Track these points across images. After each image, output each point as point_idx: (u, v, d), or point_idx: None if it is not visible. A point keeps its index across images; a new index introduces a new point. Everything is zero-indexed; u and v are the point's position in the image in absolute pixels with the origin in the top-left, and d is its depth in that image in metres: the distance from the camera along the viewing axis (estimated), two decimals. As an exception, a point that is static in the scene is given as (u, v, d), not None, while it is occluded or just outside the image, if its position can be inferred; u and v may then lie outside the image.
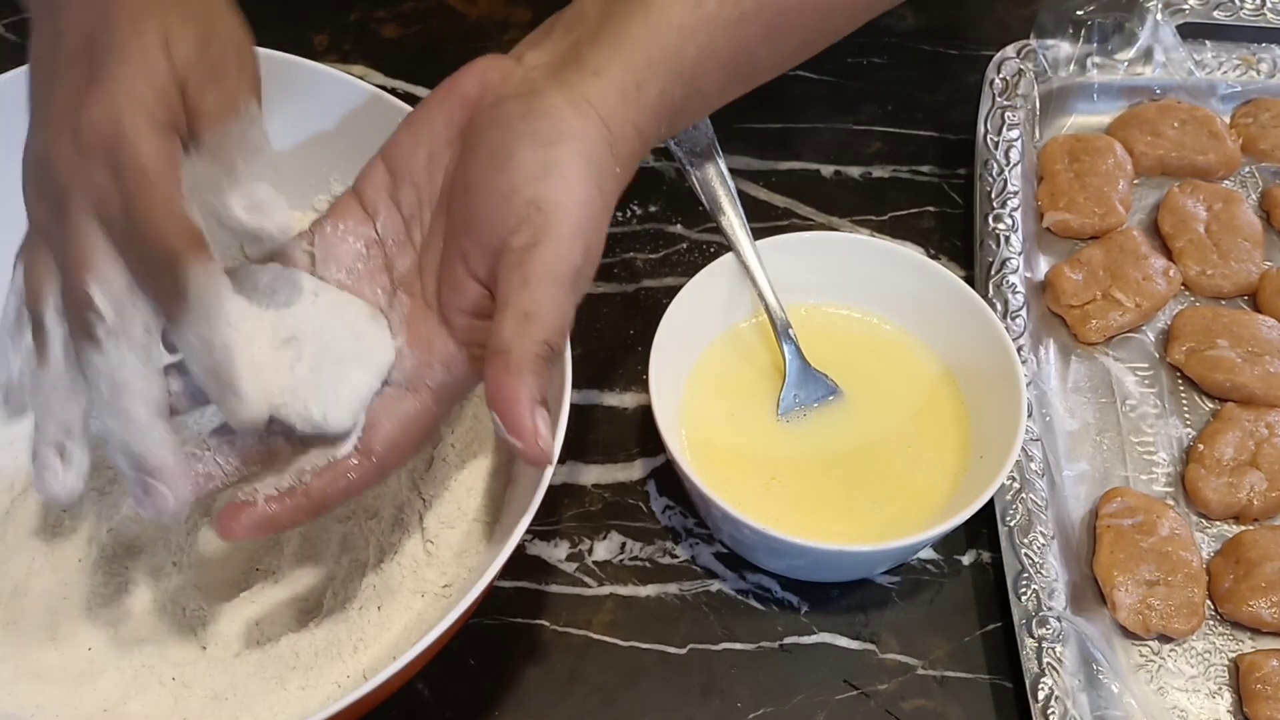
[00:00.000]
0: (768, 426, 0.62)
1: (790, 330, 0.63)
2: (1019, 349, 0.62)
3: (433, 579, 0.54)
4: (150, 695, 0.52)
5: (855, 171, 0.77)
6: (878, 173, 0.77)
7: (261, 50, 0.50)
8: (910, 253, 0.66)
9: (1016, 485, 0.60)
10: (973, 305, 0.62)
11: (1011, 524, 0.59)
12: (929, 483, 0.60)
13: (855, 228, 0.73)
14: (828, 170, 0.77)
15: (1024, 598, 0.57)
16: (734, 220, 0.63)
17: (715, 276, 0.63)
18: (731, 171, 0.65)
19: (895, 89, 0.80)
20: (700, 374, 0.63)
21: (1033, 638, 0.56)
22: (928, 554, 0.62)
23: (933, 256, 0.71)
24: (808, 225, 0.74)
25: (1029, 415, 0.60)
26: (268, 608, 0.55)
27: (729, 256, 0.63)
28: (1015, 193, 0.71)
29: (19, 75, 0.57)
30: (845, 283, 0.65)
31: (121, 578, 0.56)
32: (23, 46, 0.77)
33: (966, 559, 0.62)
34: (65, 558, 0.56)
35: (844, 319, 0.65)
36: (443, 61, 0.79)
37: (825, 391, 0.62)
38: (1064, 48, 0.77)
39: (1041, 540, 0.59)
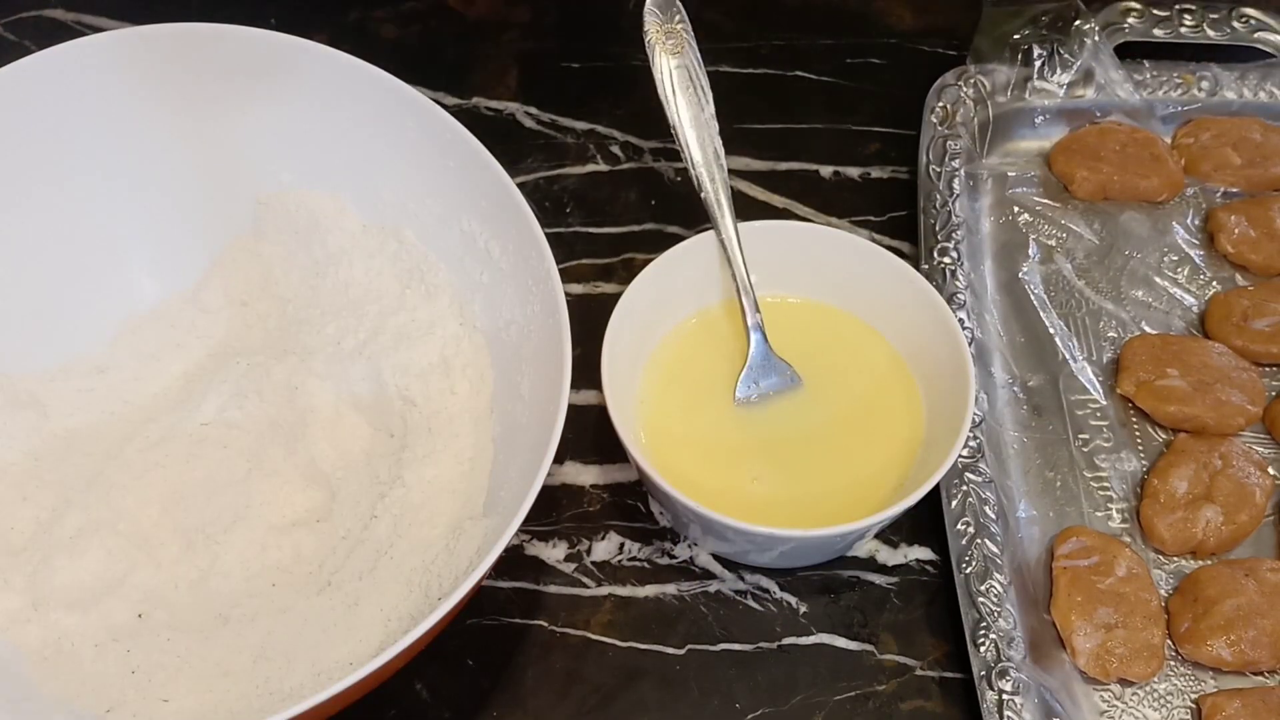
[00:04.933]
0: (725, 413, 0.62)
1: (758, 316, 0.63)
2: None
3: (429, 577, 0.54)
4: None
5: (854, 172, 0.77)
6: (876, 173, 0.77)
7: (272, 34, 0.48)
8: (874, 246, 0.64)
9: (972, 530, 0.60)
10: (930, 299, 0.62)
11: (968, 571, 0.58)
12: (881, 470, 0.60)
13: (854, 228, 0.73)
14: (827, 171, 0.77)
15: (983, 649, 0.56)
16: (723, 204, 0.63)
17: (674, 264, 0.63)
18: (731, 172, 0.65)
19: (895, 89, 0.80)
20: (658, 361, 0.63)
21: (993, 690, 0.55)
22: (926, 555, 0.62)
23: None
24: (807, 226, 0.74)
25: (979, 444, 0.60)
26: (257, 606, 0.55)
27: (686, 244, 0.63)
28: (960, 224, 0.70)
29: (15, 70, 0.57)
30: (804, 272, 0.65)
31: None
32: (22, 46, 0.77)
33: (965, 560, 0.62)
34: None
35: (805, 309, 0.65)
36: (441, 62, 0.80)
37: (786, 380, 0.62)
38: (1003, 72, 0.76)
39: (998, 588, 0.58)
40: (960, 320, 0.65)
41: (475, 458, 0.58)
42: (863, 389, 0.63)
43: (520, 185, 0.58)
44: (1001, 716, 0.54)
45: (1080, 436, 0.65)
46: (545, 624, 0.59)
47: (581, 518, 0.62)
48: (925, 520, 0.62)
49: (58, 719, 0.51)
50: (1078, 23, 0.77)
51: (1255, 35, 0.78)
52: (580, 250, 0.72)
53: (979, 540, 0.59)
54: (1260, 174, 0.74)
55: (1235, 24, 0.78)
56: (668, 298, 0.63)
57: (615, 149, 0.76)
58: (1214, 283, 0.71)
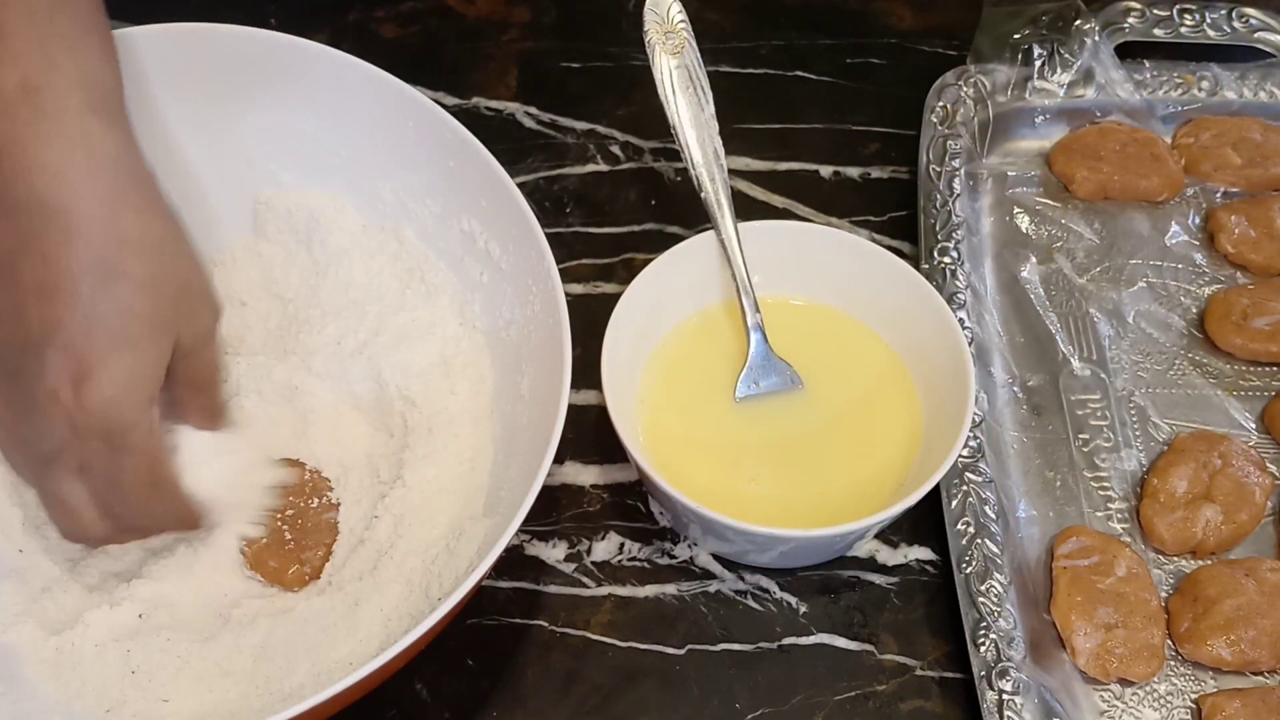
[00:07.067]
0: (725, 413, 0.62)
1: (758, 316, 0.63)
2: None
3: (429, 577, 0.54)
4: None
5: (854, 172, 0.77)
6: (876, 173, 0.77)
7: (272, 34, 0.48)
8: (874, 246, 0.65)
9: (972, 530, 0.59)
10: (930, 299, 0.62)
11: (968, 571, 0.58)
12: (880, 470, 0.60)
13: (854, 228, 0.73)
14: (826, 171, 0.77)
15: (983, 649, 0.56)
16: (724, 204, 0.63)
17: (674, 264, 0.63)
18: (731, 172, 0.65)
19: (895, 89, 0.80)
20: (659, 360, 0.63)
21: (993, 690, 0.55)
22: (926, 555, 0.62)
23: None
24: (807, 226, 0.74)
25: (979, 445, 0.61)
26: (258, 606, 0.55)
27: (686, 244, 0.63)
28: (960, 224, 0.70)
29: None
30: (808, 274, 0.65)
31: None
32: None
33: (965, 560, 0.62)
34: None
35: (805, 310, 0.65)
36: (441, 62, 0.80)
37: (786, 380, 0.62)
38: (1003, 72, 0.76)
39: (998, 588, 0.58)
40: (960, 320, 0.65)
41: (475, 458, 0.58)
42: (862, 389, 0.63)
43: (520, 185, 0.58)
44: (1001, 716, 0.54)
45: (1080, 436, 0.65)
46: (545, 624, 0.59)
47: (581, 518, 0.62)
48: (925, 520, 0.62)
49: (58, 719, 0.51)
50: (1078, 23, 0.77)
51: (1255, 35, 0.78)
52: (580, 250, 0.72)
53: (979, 540, 0.59)
54: (1260, 174, 0.74)
55: (1235, 24, 0.78)
56: (668, 298, 0.63)
57: (615, 149, 0.76)
58: (1214, 282, 0.71)
